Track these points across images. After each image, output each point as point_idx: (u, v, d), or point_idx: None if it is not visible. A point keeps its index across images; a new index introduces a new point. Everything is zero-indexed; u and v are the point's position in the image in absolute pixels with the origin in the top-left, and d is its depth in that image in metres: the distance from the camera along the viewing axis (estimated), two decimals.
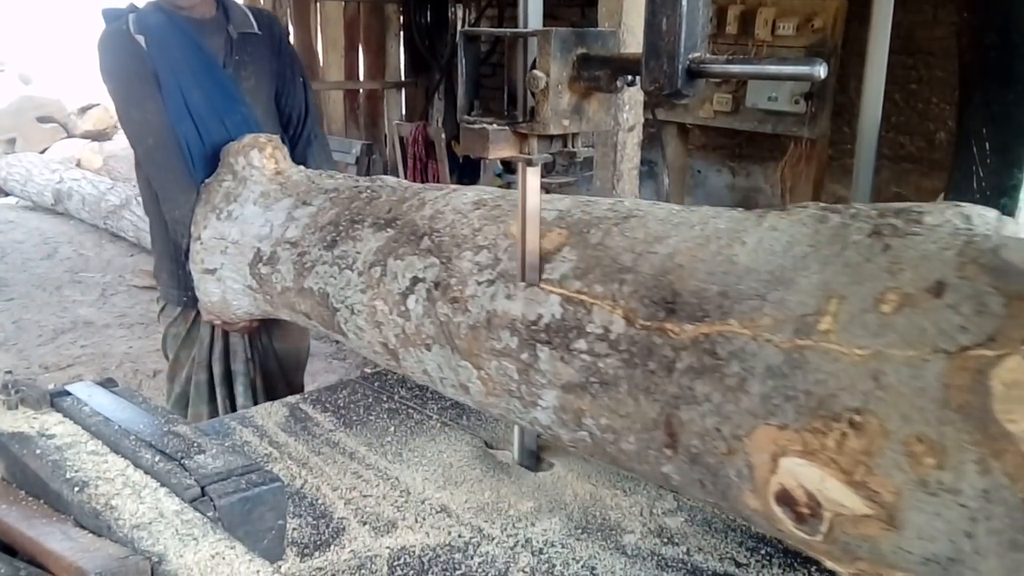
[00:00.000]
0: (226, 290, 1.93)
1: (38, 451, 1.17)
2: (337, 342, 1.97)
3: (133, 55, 2.01)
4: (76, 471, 1.11)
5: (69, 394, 1.41)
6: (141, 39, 2.02)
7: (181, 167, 2.03)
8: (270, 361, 2.30)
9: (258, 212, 1.86)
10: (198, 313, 2.24)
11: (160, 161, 2.05)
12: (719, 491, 1.01)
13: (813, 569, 1.19)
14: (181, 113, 2.03)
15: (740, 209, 1.14)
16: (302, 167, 2.02)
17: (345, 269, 1.53)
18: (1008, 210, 1.91)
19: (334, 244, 1.58)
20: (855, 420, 0.84)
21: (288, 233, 1.73)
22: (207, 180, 2.02)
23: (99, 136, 9.83)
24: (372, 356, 1.56)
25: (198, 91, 2.05)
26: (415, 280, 1.38)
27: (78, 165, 8.38)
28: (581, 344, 1.12)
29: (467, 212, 1.42)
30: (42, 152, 8.86)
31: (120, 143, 9.67)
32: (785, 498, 0.92)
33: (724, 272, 1.02)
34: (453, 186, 1.58)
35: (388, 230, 1.50)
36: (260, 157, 1.96)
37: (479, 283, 1.28)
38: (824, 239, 0.97)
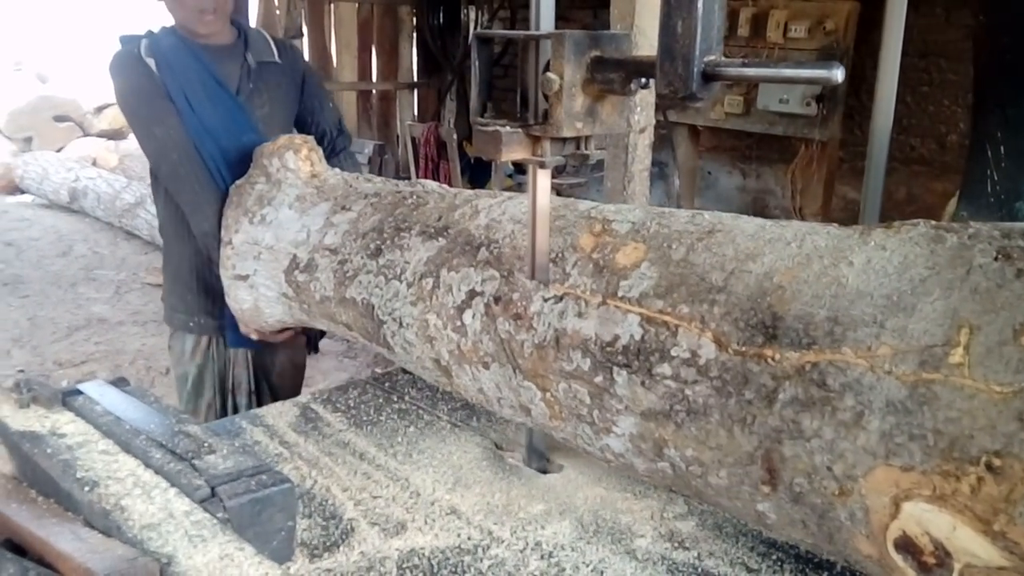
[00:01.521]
0: (259, 297, 1.87)
1: (49, 450, 1.17)
2: (348, 340, 1.95)
3: (144, 75, 2.02)
4: (87, 470, 1.11)
5: (81, 393, 1.42)
6: (151, 62, 2.03)
7: (207, 179, 2.02)
8: (265, 398, 2.28)
9: (294, 216, 1.79)
10: (209, 344, 2.22)
11: (186, 175, 2.03)
12: (824, 533, 0.95)
13: (824, 575, 1.19)
14: (199, 130, 2.03)
15: (836, 225, 1.07)
16: (337, 170, 1.97)
17: (392, 279, 1.46)
18: (1021, 214, 1.89)
19: (379, 252, 1.51)
20: (994, 464, 0.77)
21: (327, 239, 1.66)
22: (238, 182, 1.97)
23: (115, 135, 9.89)
24: (420, 372, 1.49)
25: (212, 115, 2.05)
26: (472, 294, 1.30)
27: (94, 164, 8.44)
28: (665, 369, 1.04)
29: (527, 222, 1.33)
30: (58, 151, 8.93)
31: (135, 143, 9.73)
32: (907, 545, 0.85)
33: (832, 295, 0.94)
34: (507, 193, 1.50)
35: (439, 239, 1.42)
36: (295, 159, 1.90)
37: (545, 299, 1.21)
38: (944, 261, 0.89)
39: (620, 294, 1.11)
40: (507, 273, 1.27)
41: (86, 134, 9.82)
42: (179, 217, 2.11)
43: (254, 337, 2.07)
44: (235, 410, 2.23)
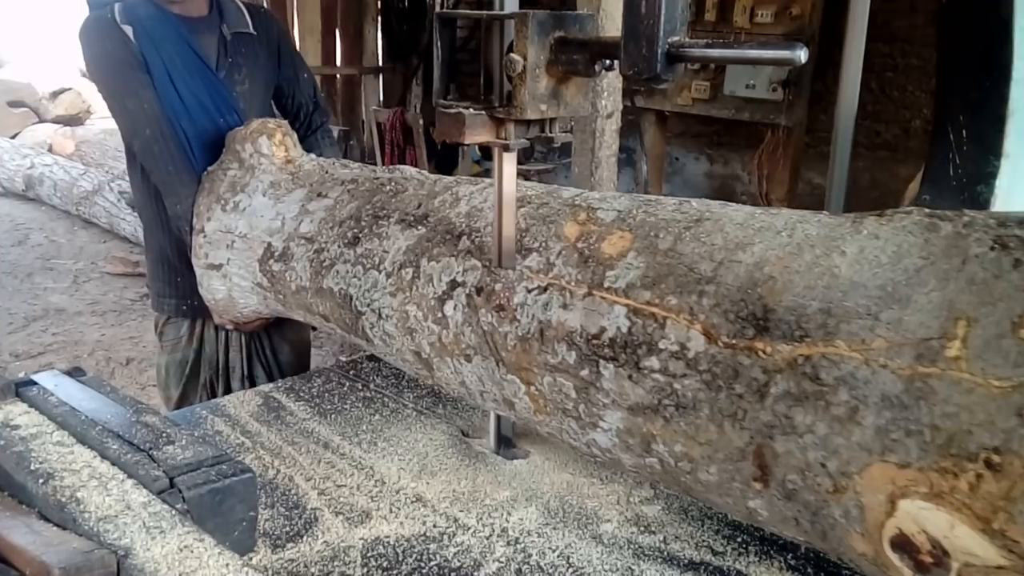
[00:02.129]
0: (232, 287, 1.81)
1: (2, 442, 1.14)
2: (314, 329, 1.91)
3: (120, 43, 1.90)
4: (41, 462, 1.08)
5: (35, 384, 1.38)
6: (129, 29, 1.90)
7: (182, 158, 1.92)
8: (259, 382, 2.16)
9: (268, 204, 1.73)
10: (204, 327, 2.13)
11: (159, 152, 1.92)
12: (818, 531, 0.93)
13: (789, 556, 1.19)
14: (176, 106, 1.92)
15: (826, 213, 1.04)
16: (313, 155, 1.90)
17: (371, 269, 1.41)
18: (984, 198, 1.92)
19: (356, 241, 1.47)
20: (993, 461, 0.75)
21: (302, 227, 1.60)
22: (210, 168, 1.90)
23: (71, 121, 9.68)
24: (400, 364, 1.46)
25: (190, 91, 1.95)
26: (453, 284, 1.27)
27: (50, 150, 8.25)
28: (653, 362, 1.01)
29: None
30: (13, 137, 8.71)
31: (93, 128, 9.53)
32: (903, 544, 0.83)
33: (825, 286, 0.91)
34: (488, 180, 1.44)
35: (419, 228, 1.38)
36: (269, 144, 1.83)
37: (529, 290, 1.17)
38: (939, 251, 0.86)
39: (606, 285, 1.08)
40: (490, 262, 1.23)
41: (42, 120, 9.60)
42: (159, 197, 2.00)
43: (229, 327, 2.01)
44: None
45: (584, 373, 1.09)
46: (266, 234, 1.69)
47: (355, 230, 1.49)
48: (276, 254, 1.65)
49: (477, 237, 1.28)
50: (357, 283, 1.44)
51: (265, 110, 2.15)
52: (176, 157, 1.91)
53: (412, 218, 1.41)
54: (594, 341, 1.07)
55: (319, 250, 1.54)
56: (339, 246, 1.50)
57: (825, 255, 0.94)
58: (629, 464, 1.12)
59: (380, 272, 1.40)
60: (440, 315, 1.28)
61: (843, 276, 0.91)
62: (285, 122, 1.91)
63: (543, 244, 1.19)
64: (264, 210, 1.72)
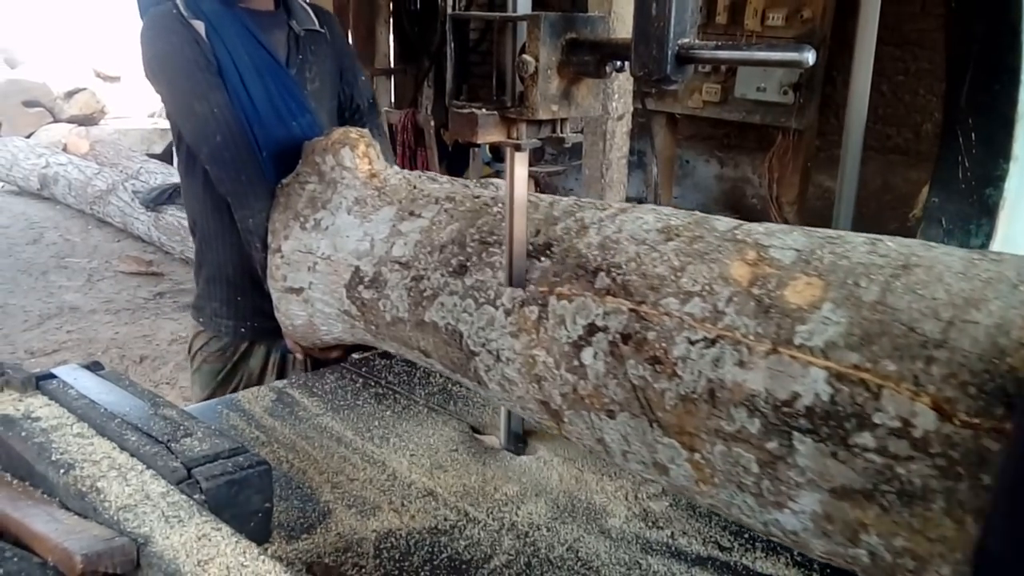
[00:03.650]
0: (314, 313, 1.66)
1: (23, 433, 1.17)
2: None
3: (189, 40, 1.76)
4: (62, 453, 1.11)
5: (55, 377, 1.41)
6: (200, 25, 1.77)
7: (256, 167, 1.76)
8: None
9: (354, 223, 1.58)
10: (251, 344, 2.04)
11: (230, 160, 1.76)
12: None
13: (795, 553, 1.21)
14: (247, 108, 1.79)
15: None
16: (397, 168, 1.74)
17: (485, 304, 1.26)
18: (993, 201, 1.92)
19: (463, 270, 1.32)
20: None
21: (395, 251, 1.46)
22: (284, 181, 1.75)
23: (86, 121, 9.76)
24: (520, 412, 1.32)
25: (262, 91, 1.81)
26: (592, 328, 1.11)
27: (64, 150, 8.32)
28: (866, 439, 0.86)
29: (655, 243, 1.13)
30: (28, 137, 8.80)
31: (107, 128, 9.61)
32: None
33: None
34: (616, 204, 1.31)
35: (542, 259, 1.23)
36: (352, 156, 1.68)
37: (692, 342, 1.01)
38: None
39: (797, 342, 0.92)
40: (638, 305, 1.08)
41: (56, 120, 9.69)
42: (222, 209, 1.87)
43: (299, 356, 1.88)
44: None
45: (771, 446, 0.93)
46: (353, 256, 1.55)
47: (460, 257, 1.35)
48: (366, 280, 1.50)
49: (618, 274, 1.12)
50: (468, 319, 1.29)
51: (334, 111, 2.08)
52: (249, 166, 1.77)
53: (531, 247, 1.26)
54: (785, 409, 0.92)
55: (417, 278, 1.40)
56: (442, 275, 1.35)
57: None
58: (822, 551, 0.97)
59: (497, 308, 1.24)
60: (576, 363, 1.13)
61: None
62: (367, 131, 1.78)
63: (706, 287, 1.03)
64: (349, 229, 1.58)
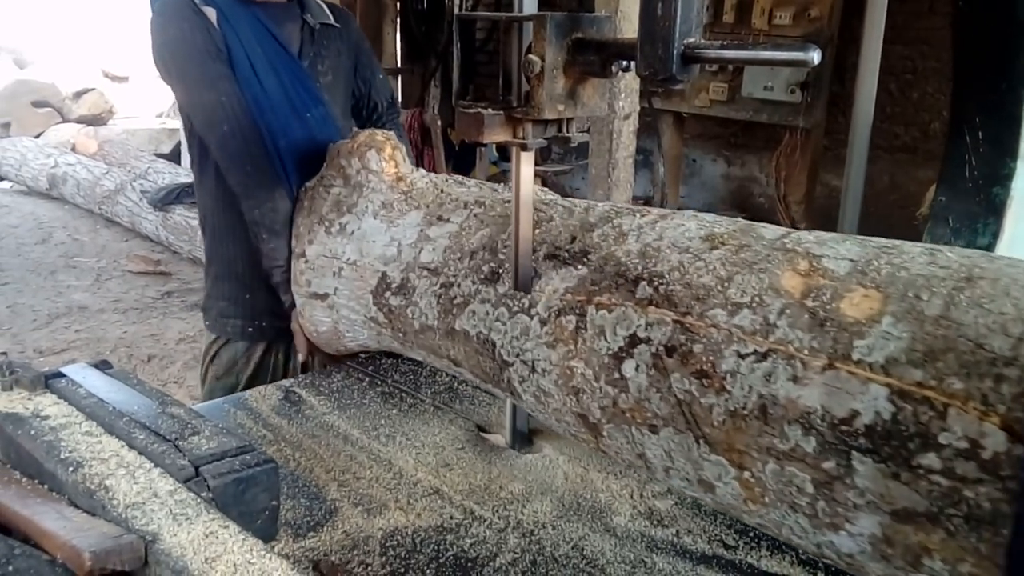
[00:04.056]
0: (339, 320, 1.64)
1: (32, 432, 1.17)
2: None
3: (201, 29, 1.73)
4: (70, 451, 1.12)
5: (64, 375, 1.42)
6: (212, 13, 1.75)
7: (263, 158, 1.74)
8: None
9: (380, 227, 1.55)
10: (268, 352, 1.99)
11: (236, 151, 1.75)
12: None
13: (800, 552, 1.21)
14: (260, 99, 1.77)
15: None
16: (423, 171, 1.72)
17: (519, 313, 1.23)
18: (1000, 200, 1.92)
19: (495, 277, 1.29)
20: None
21: (423, 256, 1.43)
22: (308, 184, 1.73)
23: (94, 121, 9.80)
24: (555, 424, 1.28)
25: (275, 81, 1.79)
26: (634, 340, 1.08)
27: (73, 150, 8.35)
28: (931, 460, 0.82)
29: (699, 251, 1.10)
30: (37, 136, 8.84)
31: (115, 128, 9.64)
32: None
33: None
34: (656, 210, 1.28)
35: (578, 267, 1.20)
36: (378, 159, 1.65)
37: (742, 355, 0.97)
38: None
39: (855, 357, 0.89)
40: (683, 316, 1.04)
41: (65, 120, 9.72)
42: (233, 203, 1.84)
43: (301, 357, 1.86)
44: None
45: (828, 465, 0.90)
46: (380, 262, 1.52)
47: (492, 264, 1.32)
48: (393, 286, 1.48)
49: (661, 284, 1.09)
50: (501, 328, 1.26)
51: (347, 105, 2.07)
52: (257, 157, 1.75)
53: (567, 254, 1.23)
54: (843, 427, 0.89)
55: (447, 284, 1.37)
56: (473, 282, 1.32)
57: None
58: (880, 575, 0.93)
59: (532, 318, 1.21)
60: (617, 376, 1.10)
61: None
62: (392, 134, 1.76)
63: (756, 299, 0.99)
64: (376, 234, 1.56)
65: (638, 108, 2.61)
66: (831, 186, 4.04)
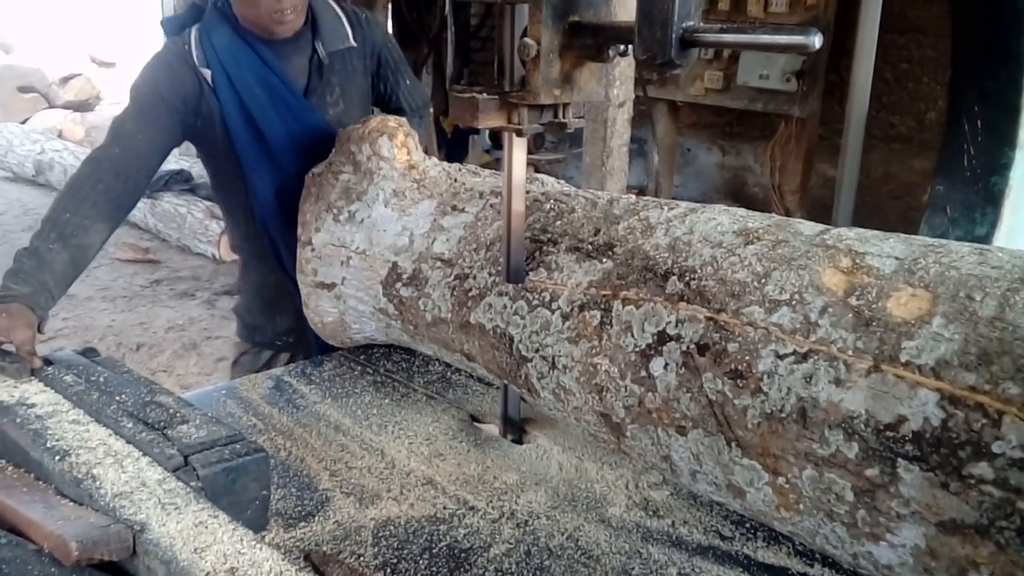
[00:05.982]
0: (347, 311, 1.61)
1: (19, 420, 1.16)
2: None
3: (180, 84, 1.77)
4: (57, 440, 1.10)
5: (50, 363, 1.40)
6: (207, 73, 1.77)
7: (89, 212, 1.68)
8: None
9: (391, 216, 1.51)
10: (290, 361, 2.05)
11: (80, 187, 1.71)
12: None
13: (797, 542, 1.20)
14: (257, 158, 1.81)
15: None
16: (436, 159, 1.69)
17: (539, 307, 1.19)
18: (998, 188, 1.91)
19: None
20: None
21: (436, 247, 1.40)
22: (316, 170, 1.68)
23: (81, 107, 9.71)
24: (574, 423, 1.25)
25: (279, 125, 1.81)
26: (663, 337, 1.03)
27: (60, 136, 8.28)
28: (983, 470, 0.79)
29: (732, 246, 1.06)
30: (23, 122, 8.75)
31: (103, 114, 9.56)
32: None
33: None
34: (683, 204, 1.23)
35: (602, 260, 1.15)
36: (390, 146, 1.59)
37: (780, 356, 0.93)
38: None
39: (903, 359, 0.85)
40: (716, 313, 1.00)
41: (51, 105, 9.63)
42: (257, 234, 1.91)
43: None
44: None
45: (871, 473, 0.86)
46: (391, 252, 1.49)
47: None
48: (404, 277, 1.45)
49: (692, 279, 1.04)
50: (519, 322, 1.22)
51: None
52: (82, 209, 1.68)
53: (591, 247, 1.19)
54: (888, 433, 0.85)
55: (461, 276, 1.33)
56: (490, 274, 1.29)
57: None
58: None
59: (553, 312, 1.17)
60: (644, 374, 1.05)
61: None
62: (404, 120, 1.72)
63: (796, 296, 0.95)
64: (387, 223, 1.52)
65: (633, 96, 2.59)
66: (826, 175, 4.04)
